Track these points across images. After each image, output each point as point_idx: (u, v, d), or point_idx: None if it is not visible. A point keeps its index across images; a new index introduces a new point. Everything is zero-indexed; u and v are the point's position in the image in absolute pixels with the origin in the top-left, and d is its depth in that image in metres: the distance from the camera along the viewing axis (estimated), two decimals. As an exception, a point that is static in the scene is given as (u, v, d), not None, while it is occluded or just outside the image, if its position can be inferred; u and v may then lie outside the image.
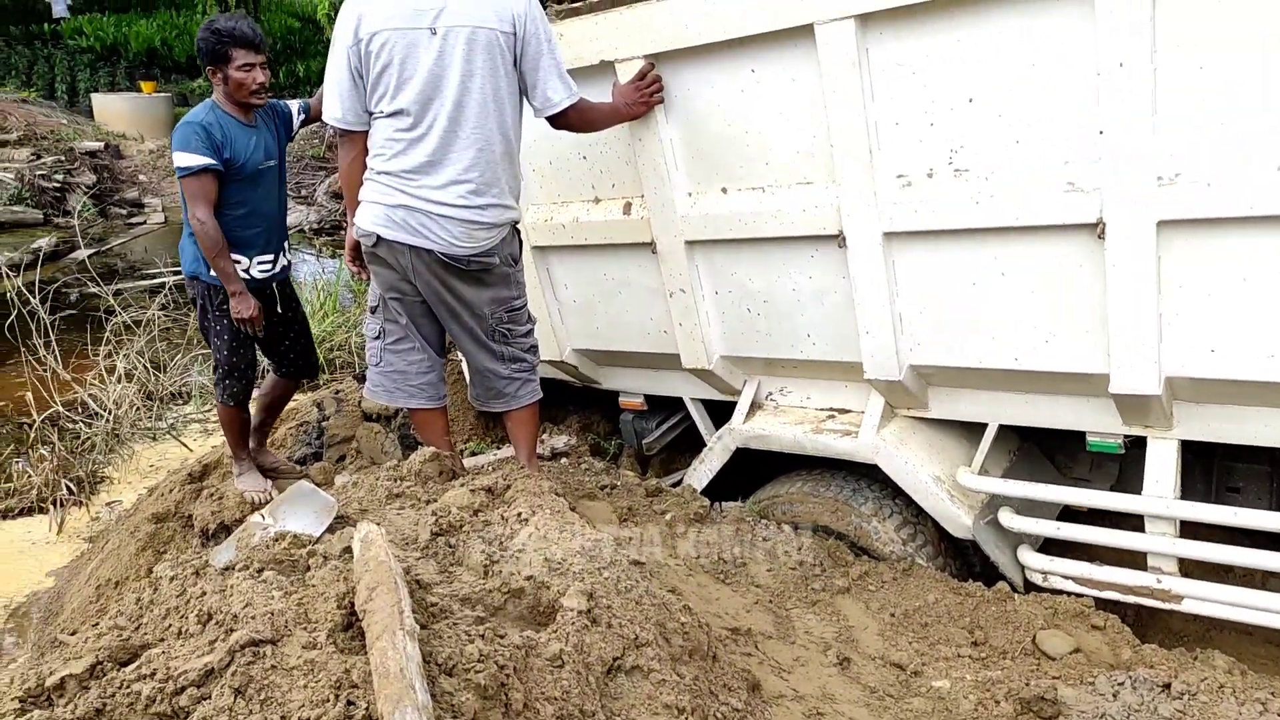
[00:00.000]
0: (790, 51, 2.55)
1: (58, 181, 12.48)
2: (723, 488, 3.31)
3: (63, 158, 13.05)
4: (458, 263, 2.73)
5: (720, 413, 3.43)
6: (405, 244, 2.71)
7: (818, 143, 2.63)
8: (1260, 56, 2.02)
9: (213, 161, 3.10)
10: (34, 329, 5.38)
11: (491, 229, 2.74)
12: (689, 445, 3.77)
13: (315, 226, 11.54)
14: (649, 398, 3.66)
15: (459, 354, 4.03)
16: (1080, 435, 2.71)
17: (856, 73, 2.44)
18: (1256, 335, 2.23)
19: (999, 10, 2.25)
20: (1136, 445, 2.62)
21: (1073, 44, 2.19)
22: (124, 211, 12.87)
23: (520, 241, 2.92)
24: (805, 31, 2.47)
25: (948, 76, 2.37)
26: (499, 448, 3.94)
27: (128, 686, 1.59)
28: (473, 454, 3.87)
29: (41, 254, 7.33)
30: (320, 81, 3.54)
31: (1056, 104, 2.27)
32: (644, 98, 2.81)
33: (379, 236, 2.73)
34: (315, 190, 12.85)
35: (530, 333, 3.00)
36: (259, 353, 3.57)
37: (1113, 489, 3.02)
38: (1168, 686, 2.14)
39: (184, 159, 3.09)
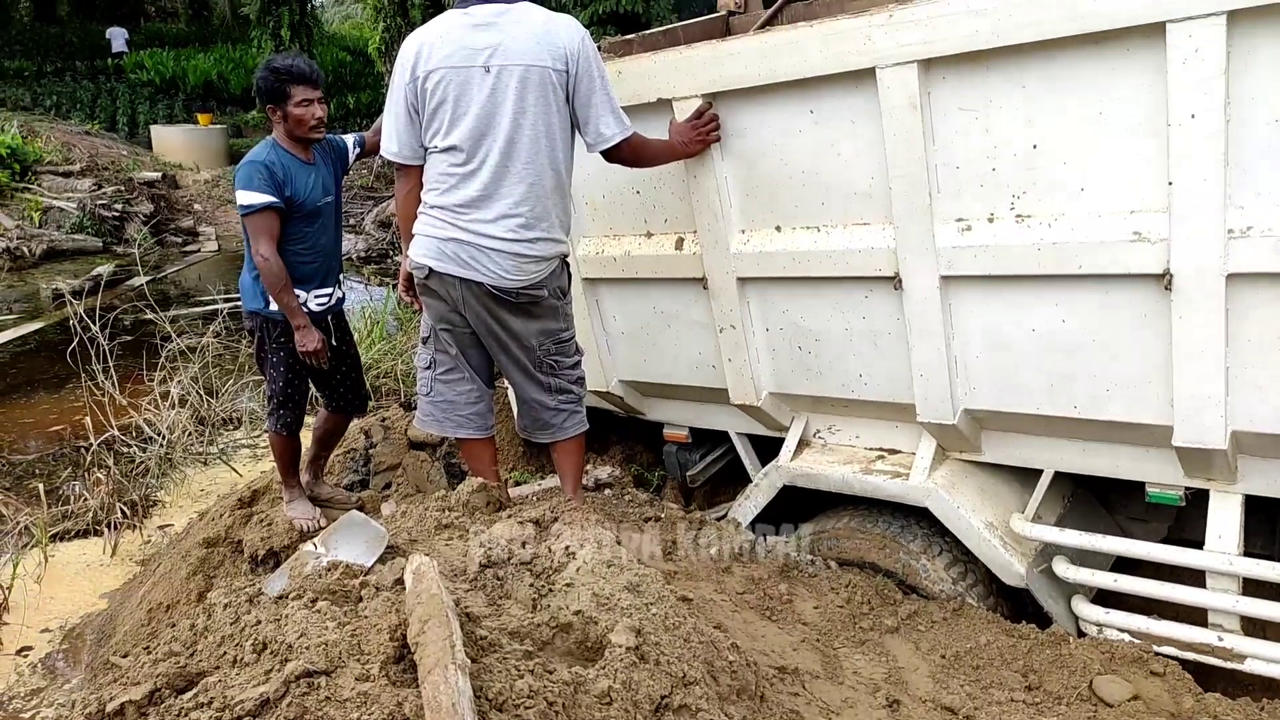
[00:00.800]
0: (851, 94, 2.55)
1: (117, 210, 12.90)
2: (767, 518, 3.28)
3: (122, 187, 13.51)
4: (507, 295, 2.77)
5: (765, 446, 3.41)
6: (456, 276, 2.76)
7: (876, 184, 2.62)
8: None
9: (275, 199, 3.18)
10: (93, 354, 5.54)
11: (541, 262, 2.78)
12: (733, 477, 3.74)
13: (363, 255, 11.77)
14: (693, 430, 3.65)
15: (506, 384, 4.07)
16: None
17: (918, 116, 2.44)
18: None
19: (1067, 58, 2.23)
20: (1198, 496, 2.56)
21: (1143, 94, 2.17)
22: (179, 240, 13.25)
23: (569, 274, 2.96)
24: (867, 74, 2.47)
25: (1012, 122, 2.36)
26: (543, 478, 3.95)
27: (185, 714, 1.62)
28: (517, 484, 3.88)
29: (101, 281, 7.55)
30: (370, 114, 3.63)
31: (1124, 153, 2.24)
32: (700, 136, 2.84)
33: (430, 269, 2.78)
34: (363, 219, 13.12)
35: (578, 365, 3.02)
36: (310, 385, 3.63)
37: (1170, 530, 2.95)
38: (1234, 740, 2.06)
39: (247, 197, 3.18)
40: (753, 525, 3.26)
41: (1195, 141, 2.11)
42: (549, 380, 2.94)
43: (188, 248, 12.93)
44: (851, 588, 2.85)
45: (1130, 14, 2.09)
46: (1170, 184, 2.18)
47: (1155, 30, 2.08)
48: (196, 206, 14.59)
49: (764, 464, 3.32)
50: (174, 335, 6.01)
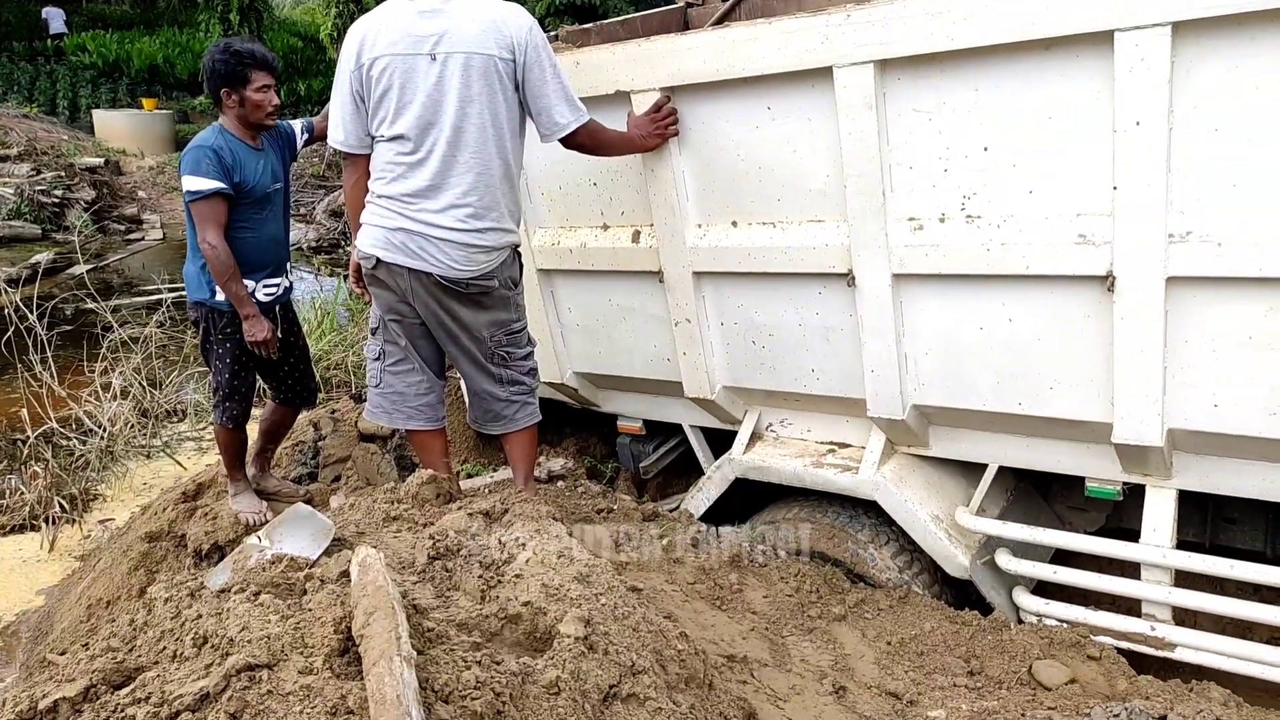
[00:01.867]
0: (808, 92, 2.57)
1: (57, 197, 12.50)
2: (719, 509, 3.31)
3: (62, 173, 13.09)
4: (456, 285, 2.74)
5: (718, 439, 3.43)
6: (404, 266, 2.72)
7: (831, 182, 2.65)
8: (1273, 121, 2.05)
9: (224, 185, 3.11)
10: (30, 344, 5.36)
11: (490, 252, 2.75)
12: (685, 469, 3.77)
13: (314, 245, 11.58)
14: (647, 422, 3.66)
15: (458, 375, 4.03)
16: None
17: (873, 116, 2.46)
18: (1259, 392, 2.26)
19: (1018, 64, 2.28)
20: (1135, 490, 2.63)
21: (1090, 100, 2.22)
22: (122, 227, 12.89)
23: (520, 264, 2.94)
24: (824, 74, 2.49)
25: (964, 124, 2.39)
26: (495, 470, 3.93)
27: (121, 710, 1.58)
28: (469, 476, 3.86)
29: (40, 269, 7.30)
30: (321, 101, 3.58)
31: (1071, 157, 2.29)
32: (659, 130, 2.83)
33: (378, 259, 2.74)
34: (314, 208, 12.90)
35: (529, 356, 3.00)
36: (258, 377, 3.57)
37: (1108, 519, 3.04)
38: (1163, 718, 2.13)
39: (195, 183, 3.10)
40: (705, 516, 3.28)
41: (1139, 148, 2.17)
42: (500, 371, 2.92)
43: (131, 236, 12.59)
44: (800, 577, 2.89)
45: (1080, 22, 2.14)
46: (1115, 188, 2.23)
47: (1104, 38, 2.13)
48: (141, 194, 14.21)
49: (717, 456, 3.34)
50: (115, 325, 5.85)
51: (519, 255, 2.92)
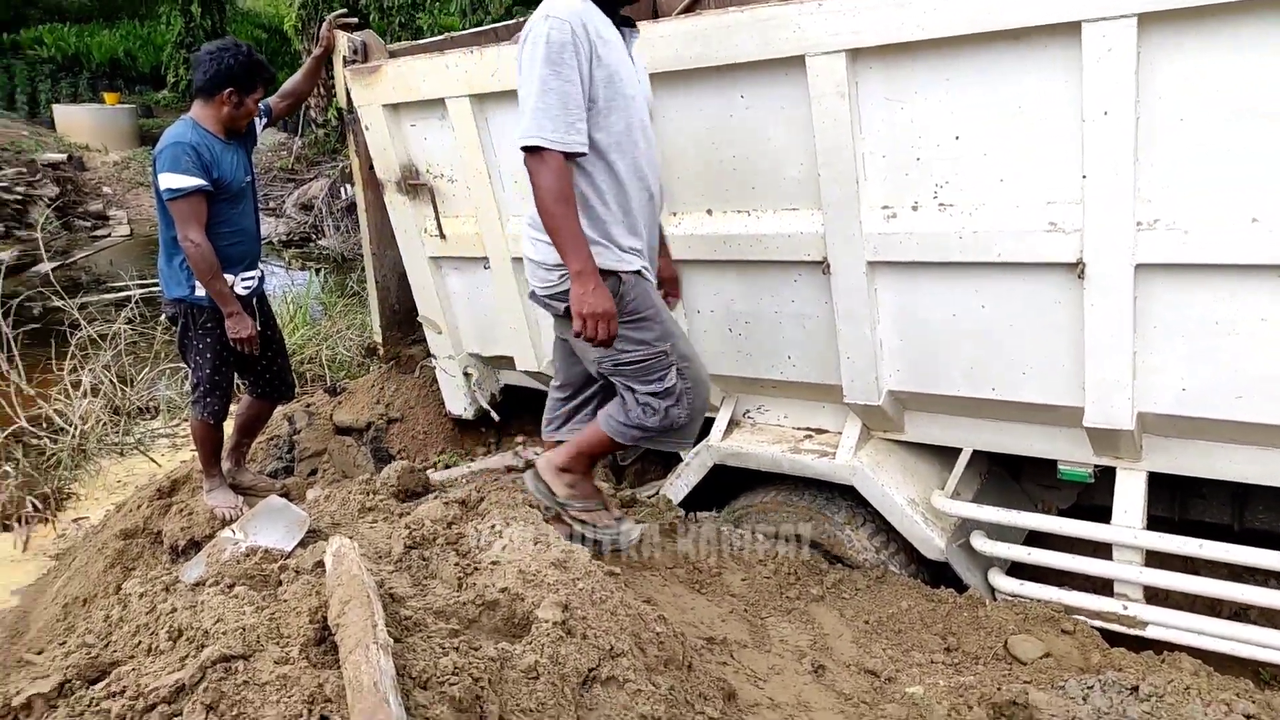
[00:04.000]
0: (781, 80, 2.57)
1: (19, 194, 12.25)
2: (698, 496, 3.32)
3: (24, 169, 12.83)
4: (538, 303, 2.57)
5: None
6: None
7: (805, 171, 2.65)
8: (1237, 112, 2.08)
9: (204, 182, 3.08)
10: (-4, 343, 5.29)
11: (552, 270, 2.41)
12: (663, 455, 3.77)
13: (284, 239, 11.48)
14: (625, 412, 3.65)
15: (434, 364, 4.02)
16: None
17: (846, 104, 2.47)
18: (1225, 376, 2.30)
19: (989, 53, 2.29)
20: (1106, 471, 2.67)
21: (1059, 90, 2.23)
22: (88, 224, 12.68)
23: (635, 293, 2.41)
24: (797, 62, 2.49)
25: (936, 113, 2.40)
26: (472, 459, 3.92)
27: (96, 704, 1.57)
28: (446, 466, 3.85)
29: (3, 267, 7.17)
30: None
31: (1041, 146, 2.31)
32: (583, 309, 2.29)
33: None
34: (284, 202, 12.77)
35: (659, 394, 2.45)
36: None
37: (1080, 496, 3.09)
38: (1135, 689, 2.17)
39: (175, 180, 3.05)
40: (684, 503, 3.29)
41: (1107, 137, 2.19)
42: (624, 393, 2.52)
43: (98, 232, 12.40)
44: (779, 559, 2.90)
45: (1048, 12, 2.16)
46: (1084, 177, 2.25)
47: (1072, 29, 2.15)
48: (106, 189, 13.97)
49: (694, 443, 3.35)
50: (83, 322, 5.77)
51: (622, 279, 2.39)
